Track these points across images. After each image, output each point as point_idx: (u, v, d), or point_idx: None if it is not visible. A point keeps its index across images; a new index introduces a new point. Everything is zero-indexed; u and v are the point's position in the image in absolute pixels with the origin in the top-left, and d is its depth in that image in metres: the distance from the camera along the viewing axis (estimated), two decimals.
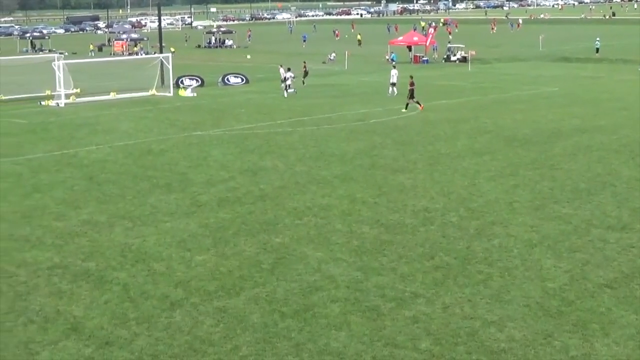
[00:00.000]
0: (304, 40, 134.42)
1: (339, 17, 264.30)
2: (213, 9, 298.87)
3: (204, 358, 16.21)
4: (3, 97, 63.56)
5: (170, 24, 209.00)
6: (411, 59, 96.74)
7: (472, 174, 32.12)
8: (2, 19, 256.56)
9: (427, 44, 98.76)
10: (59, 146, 41.04)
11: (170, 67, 66.91)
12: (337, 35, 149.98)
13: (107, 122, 49.52)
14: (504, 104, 54.86)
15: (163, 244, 23.86)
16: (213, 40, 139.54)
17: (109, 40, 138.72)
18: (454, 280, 20.27)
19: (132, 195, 29.82)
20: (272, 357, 16.18)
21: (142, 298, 19.54)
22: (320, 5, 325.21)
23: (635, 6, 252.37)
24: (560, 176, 31.60)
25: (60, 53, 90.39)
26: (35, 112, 56.21)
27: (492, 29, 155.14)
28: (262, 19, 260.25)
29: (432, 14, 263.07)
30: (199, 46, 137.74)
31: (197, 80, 71.75)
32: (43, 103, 60.50)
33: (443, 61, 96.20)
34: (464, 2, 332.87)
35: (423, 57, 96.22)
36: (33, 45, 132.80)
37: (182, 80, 70.54)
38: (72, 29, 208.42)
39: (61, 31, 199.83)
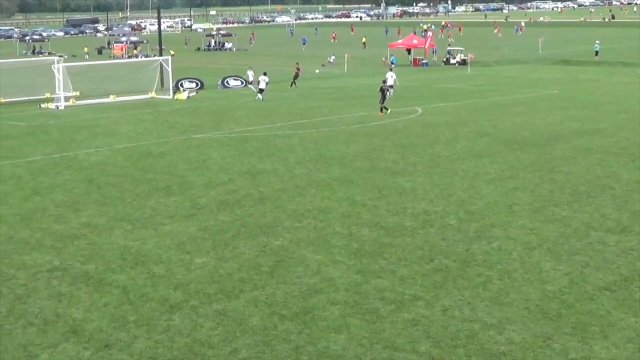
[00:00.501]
0: (304, 43, 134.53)
1: (338, 19, 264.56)
2: (213, 12, 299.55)
3: None
4: (3, 100, 63.53)
5: (170, 26, 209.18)
6: (410, 61, 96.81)
7: (471, 177, 32.14)
8: (2, 22, 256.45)
9: (426, 46, 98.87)
10: (58, 149, 41.04)
11: (169, 69, 66.95)
12: (333, 38, 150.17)
13: (106, 125, 49.52)
14: (504, 106, 54.88)
15: (162, 246, 23.87)
16: (213, 43, 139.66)
17: (108, 43, 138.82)
18: (453, 283, 20.27)
19: (131, 197, 29.83)
20: None
21: (142, 301, 19.54)
22: (320, 8, 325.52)
23: (635, 9, 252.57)
24: (560, 179, 31.61)
25: (59, 56, 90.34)
26: (35, 114, 56.20)
27: (498, 32, 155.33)
28: (262, 22, 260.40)
29: (431, 17, 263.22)
30: (199, 49, 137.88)
31: (196, 83, 71.81)
32: (43, 106, 60.48)
33: (442, 64, 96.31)
34: (464, 5, 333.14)
35: (422, 60, 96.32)
36: (33, 49, 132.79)
37: (181, 83, 70.62)
38: (72, 32, 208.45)
39: (61, 34, 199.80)
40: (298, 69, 70.95)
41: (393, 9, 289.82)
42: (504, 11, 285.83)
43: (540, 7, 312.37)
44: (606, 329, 17.44)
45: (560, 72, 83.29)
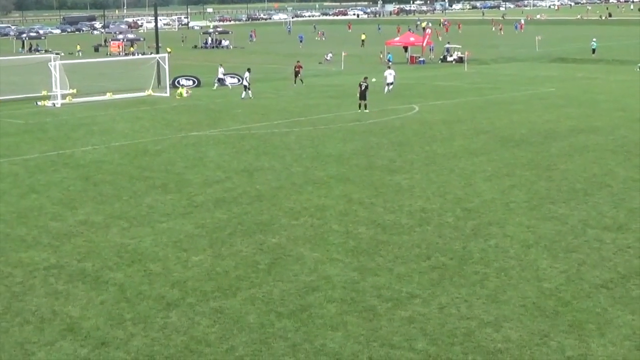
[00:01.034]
0: (301, 41, 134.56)
1: (335, 17, 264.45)
2: (209, 10, 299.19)
3: (200, 358, 16.20)
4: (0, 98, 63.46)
5: (167, 24, 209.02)
6: (407, 59, 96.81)
7: (468, 175, 32.15)
8: None
9: (424, 44, 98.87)
10: (55, 146, 41.02)
11: (166, 67, 66.94)
12: (319, 36, 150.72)
13: (103, 123, 49.49)
14: (501, 104, 54.91)
15: (159, 244, 23.86)
16: (210, 41, 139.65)
17: (105, 41, 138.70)
18: (450, 281, 20.27)
19: (128, 195, 29.81)
20: (269, 357, 16.18)
21: (139, 298, 19.53)
22: (317, 6, 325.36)
23: (632, 7, 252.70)
24: (557, 176, 31.63)
25: (56, 53, 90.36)
26: (32, 112, 56.15)
27: (500, 30, 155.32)
28: (259, 20, 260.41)
29: (428, 14, 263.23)
30: (196, 47, 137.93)
31: (193, 81, 71.79)
32: (39, 103, 60.44)
33: (439, 62, 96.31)
34: (461, 2, 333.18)
35: (419, 57, 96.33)
36: (30, 47, 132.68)
37: (178, 81, 70.61)
38: (69, 29, 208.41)
39: (57, 31, 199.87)
40: (299, 67, 70.83)
41: (390, 7, 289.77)
42: (501, 9, 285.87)
43: (537, 4, 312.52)
44: (603, 327, 17.44)
45: (557, 69, 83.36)
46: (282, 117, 49.80)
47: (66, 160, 37.04)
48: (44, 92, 63.52)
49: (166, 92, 65.06)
